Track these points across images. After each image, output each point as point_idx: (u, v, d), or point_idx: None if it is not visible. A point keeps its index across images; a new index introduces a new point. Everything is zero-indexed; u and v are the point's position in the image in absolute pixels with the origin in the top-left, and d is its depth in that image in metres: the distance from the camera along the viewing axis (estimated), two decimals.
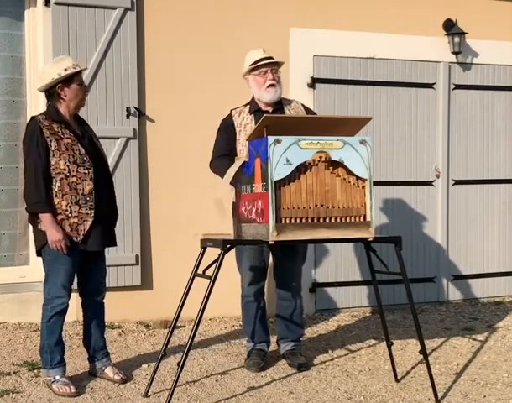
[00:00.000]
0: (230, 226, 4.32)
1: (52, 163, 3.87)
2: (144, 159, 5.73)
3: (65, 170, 3.88)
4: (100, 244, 4.04)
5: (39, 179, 3.85)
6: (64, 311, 4.02)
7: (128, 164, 5.62)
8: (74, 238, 3.92)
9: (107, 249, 4.25)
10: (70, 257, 3.94)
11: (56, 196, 3.89)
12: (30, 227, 5.63)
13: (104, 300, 4.25)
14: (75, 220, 3.92)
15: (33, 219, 3.97)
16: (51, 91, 3.98)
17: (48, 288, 3.99)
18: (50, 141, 3.86)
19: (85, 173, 3.92)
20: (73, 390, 3.98)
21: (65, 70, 3.93)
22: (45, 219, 3.87)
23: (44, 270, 4.05)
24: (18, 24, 5.65)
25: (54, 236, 3.86)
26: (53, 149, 3.86)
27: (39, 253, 4.05)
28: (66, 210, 3.90)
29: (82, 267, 4.10)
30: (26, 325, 5.42)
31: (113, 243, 4.23)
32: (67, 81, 3.94)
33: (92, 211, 3.94)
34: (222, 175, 4.15)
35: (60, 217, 3.90)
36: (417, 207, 6.54)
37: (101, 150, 4.14)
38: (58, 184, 3.88)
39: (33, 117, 4.00)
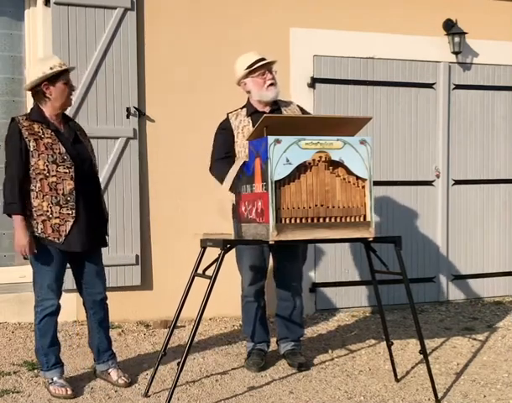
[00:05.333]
0: (230, 226, 4.33)
1: (32, 163, 3.82)
2: (144, 159, 5.73)
3: (44, 170, 3.82)
4: (83, 245, 3.93)
5: (14, 180, 3.80)
6: (54, 313, 3.97)
7: (127, 164, 5.63)
8: (56, 240, 3.86)
9: (106, 249, 4.23)
10: (53, 259, 3.89)
11: (37, 196, 3.83)
12: None
13: (107, 302, 4.18)
14: (57, 221, 3.85)
15: None
16: (37, 90, 3.91)
17: (36, 290, 3.96)
18: (29, 141, 3.81)
19: (65, 172, 3.84)
20: (69, 392, 3.96)
21: (51, 68, 3.86)
22: (15, 221, 3.83)
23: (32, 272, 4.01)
24: (18, 24, 5.65)
25: (19, 240, 3.82)
26: (32, 149, 3.81)
27: (25, 256, 3.96)
28: (47, 211, 3.84)
29: (75, 268, 4.07)
30: (26, 325, 5.42)
31: (102, 244, 4.13)
32: (53, 79, 3.88)
33: (73, 211, 3.86)
34: (221, 181, 4.17)
35: (41, 218, 3.84)
36: (417, 207, 6.54)
37: (87, 149, 4.04)
38: (38, 184, 3.83)
39: (13, 119, 3.94)
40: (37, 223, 3.85)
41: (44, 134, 3.85)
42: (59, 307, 3.99)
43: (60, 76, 3.90)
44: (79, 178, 3.89)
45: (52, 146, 3.84)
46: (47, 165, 3.82)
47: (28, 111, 4.18)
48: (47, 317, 3.96)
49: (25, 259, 3.99)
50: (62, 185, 3.85)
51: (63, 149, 3.86)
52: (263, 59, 4.45)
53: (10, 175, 3.83)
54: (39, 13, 5.56)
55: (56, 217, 3.85)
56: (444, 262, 6.63)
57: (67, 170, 3.85)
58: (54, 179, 3.84)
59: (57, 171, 3.84)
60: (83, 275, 4.07)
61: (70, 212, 3.87)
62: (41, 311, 3.95)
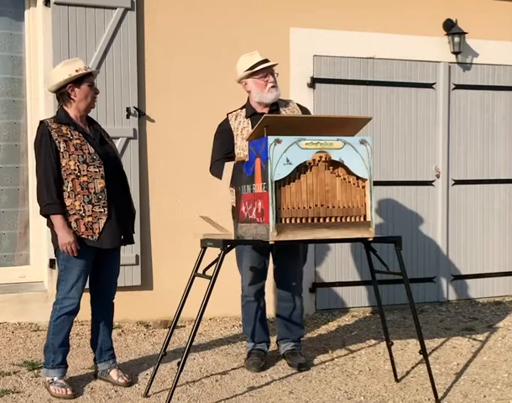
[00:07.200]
0: (230, 226, 4.33)
1: (62, 164, 3.90)
2: (144, 159, 5.73)
3: (75, 170, 3.90)
4: (114, 242, 4.02)
5: (49, 181, 3.87)
6: (73, 312, 4.02)
7: (128, 164, 5.60)
8: (90, 237, 3.93)
9: None
10: (84, 257, 3.96)
11: (69, 196, 3.91)
12: (30, 227, 5.70)
13: (114, 301, 4.23)
14: (90, 219, 3.93)
15: (49, 221, 3.98)
16: (62, 92, 4.00)
17: (60, 288, 4.01)
18: (59, 143, 3.89)
19: (95, 171, 3.94)
20: (69, 393, 3.97)
21: (77, 71, 3.97)
22: (56, 221, 3.89)
23: (58, 270, 4.08)
24: (18, 24, 5.65)
25: (64, 238, 3.88)
26: (62, 150, 3.89)
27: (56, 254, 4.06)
28: (80, 210, 3.92)
29: (96, 266, 4.12)
30: (26, 325, 5.43)
31: (130, 241, 4.22)
32: (78, 81, 3.98)
33: (105, 209, 3.95)
34: (220, 177, 4.22)
35: (74, 217, 3.92)
36: (417, 207, 6.54)
37: (113, 148, 4.16)
38: (70, 184, 3.91)
39: (41, 122, 4.02)
40: (70, 222, 3.92)
41: (72, 136, 3.94)
42: (78, 307, 4.04)
43: (84, 79, 3.99)
44: (108, 176, 3.98)
45: (81, 147, 3.93)
46: (78, 165, 3.91)
47: (53, 112, 4.24)
48: (65, 316, 4.00)
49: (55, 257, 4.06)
50: (93, 184, 3.94)
51: (92, 149, 3.95)
52: (265, 60, 4.44)
53: (45, 177, 3.89)
54: (39, 13, 5.56)
55: (89, 216, 3.93)
56: (444, 262, 6.63)
57: (97, 170, 3.94)
58: (86, 178, 3.92)
59: (88, 171, 3.92)
60: (101, 274, 4.14)
61: (103, 210, 3.95)
62: (60, 309, 4.00)
